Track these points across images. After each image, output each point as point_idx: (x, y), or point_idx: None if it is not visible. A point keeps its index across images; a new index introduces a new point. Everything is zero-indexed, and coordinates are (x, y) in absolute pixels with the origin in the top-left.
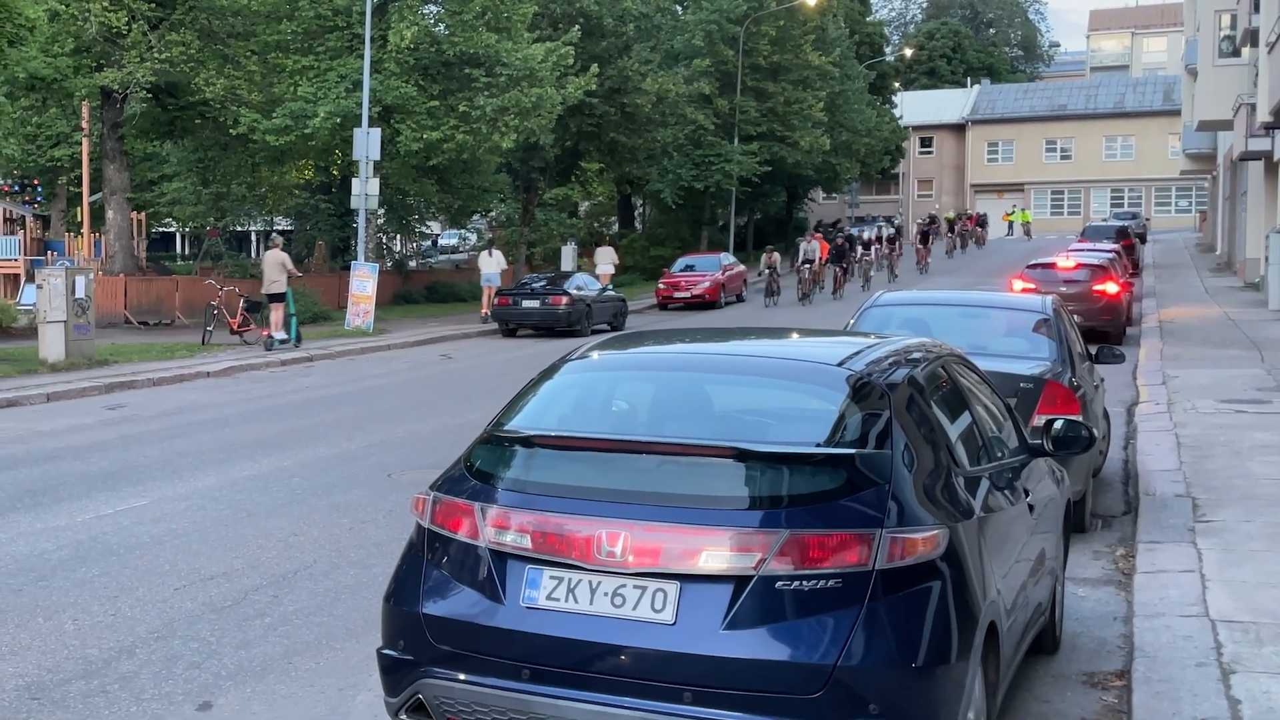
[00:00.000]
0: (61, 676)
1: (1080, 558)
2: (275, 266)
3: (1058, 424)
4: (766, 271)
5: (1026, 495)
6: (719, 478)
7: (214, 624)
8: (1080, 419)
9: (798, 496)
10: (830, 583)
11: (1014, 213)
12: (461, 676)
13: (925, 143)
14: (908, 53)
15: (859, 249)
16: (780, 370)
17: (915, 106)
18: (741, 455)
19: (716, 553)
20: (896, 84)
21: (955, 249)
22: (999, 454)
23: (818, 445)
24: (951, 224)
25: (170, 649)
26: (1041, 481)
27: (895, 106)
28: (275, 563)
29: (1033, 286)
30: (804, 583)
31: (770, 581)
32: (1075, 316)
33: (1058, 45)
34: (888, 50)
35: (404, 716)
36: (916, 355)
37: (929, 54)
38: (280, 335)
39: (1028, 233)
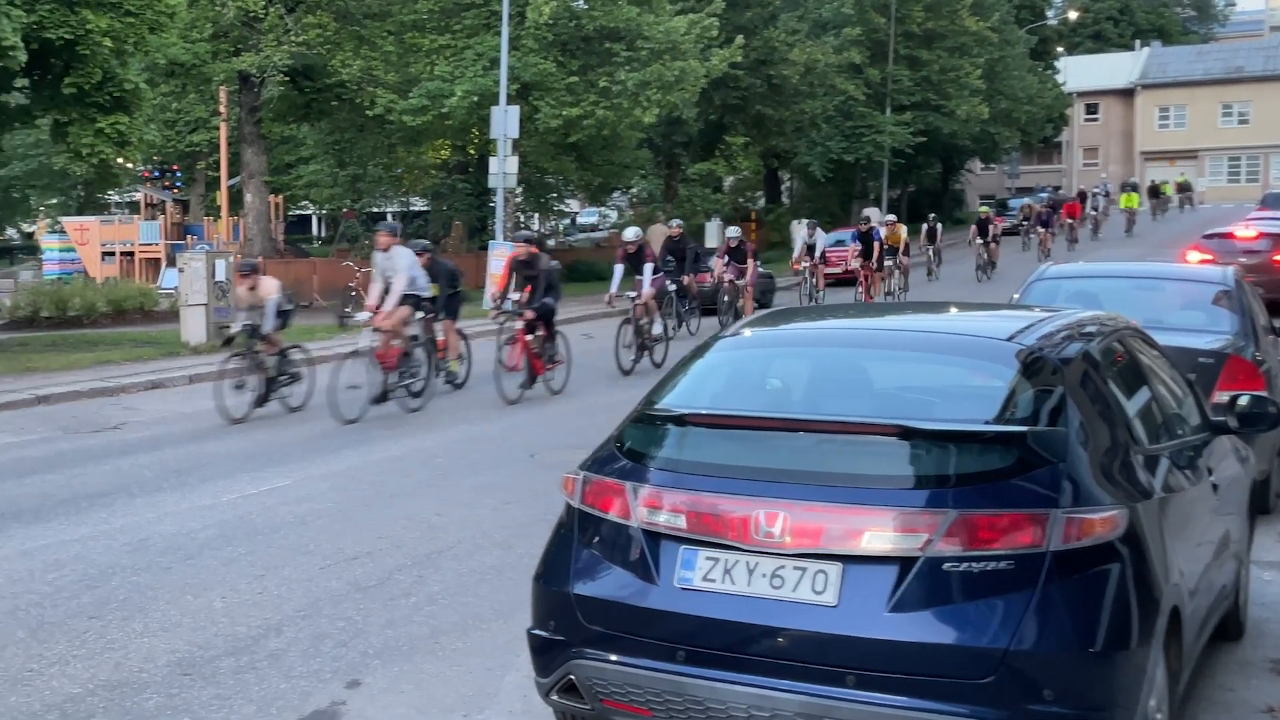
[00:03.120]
0: (212, 653)
1: (1265, 540)
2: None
3: (1243, 399)
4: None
5: (1209, 474)
6: (882, 456)
7: (359, 603)
8: (1266, 395)
9: (966, 476)
10: (1001, 564)
11: (1162, 184)
12: (613, 658)
13: (1091, 109)
14: (1072, 15)
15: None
16: (945, 345)
17: (1080, 71)
18: (906, 433)
19: (880, 533)
20: (1059, 48)
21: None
22: (1179, 432)
23: (986, 423)
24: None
25: (317, 627)
26: (1225, 460)
27: (1058, 72)
28: (419, 543)
29: (1210, 258)
30: (973, 564)
31: (937, 563)
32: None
33: (1233, 4)
34: (1050, 13)
35: (555, 697)
36: (1091, 329)
37: (1094, 16)
38: None
39: (1162, 208)
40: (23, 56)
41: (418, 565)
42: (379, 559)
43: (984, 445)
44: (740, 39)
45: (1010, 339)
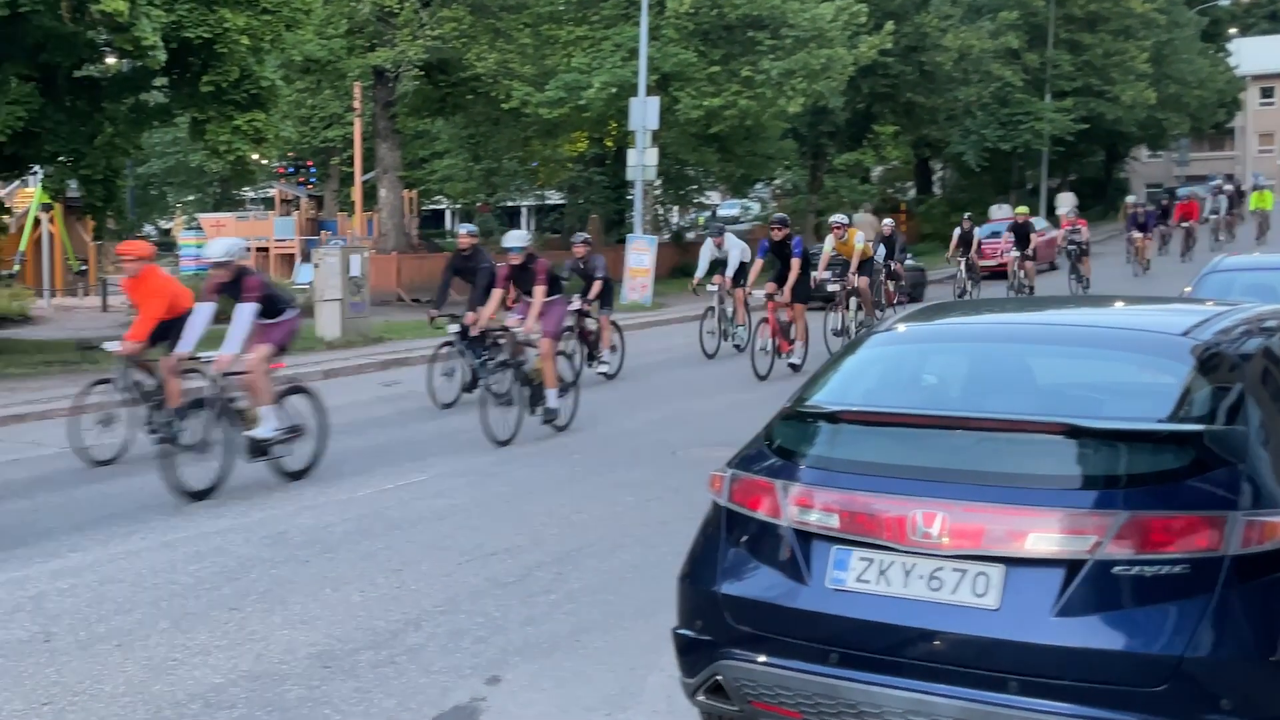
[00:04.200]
0: (351, 646)
1: None
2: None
3: None
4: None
5: None
6: (1047, 455)
7: (498, 599)
8: None
9: (1137, 476)
10: (1176, 568)
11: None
12: (762, 659)
13: (1266, 93)
14: None
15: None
16: (1114, 340)
17: (1255, 53)
18: (1074, 432)
19: (1046, 535)
20: (1232, 29)
21: None
22: None
23: (1160, 421)
24: None
25: (456, 623)
26: None
27: (1231, 54)
28: (558, 539)
29: None
30: (1145, 568)
31: (1106, 566)
32: None
33: None
34: None
35: (701, 698)
36: (1271, 323)
37: None
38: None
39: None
40: (162, 56)
41: (557, 562)
42: (518, 555)
43: (1157, 445)
44: (890, 25)
45: (1185, 334)
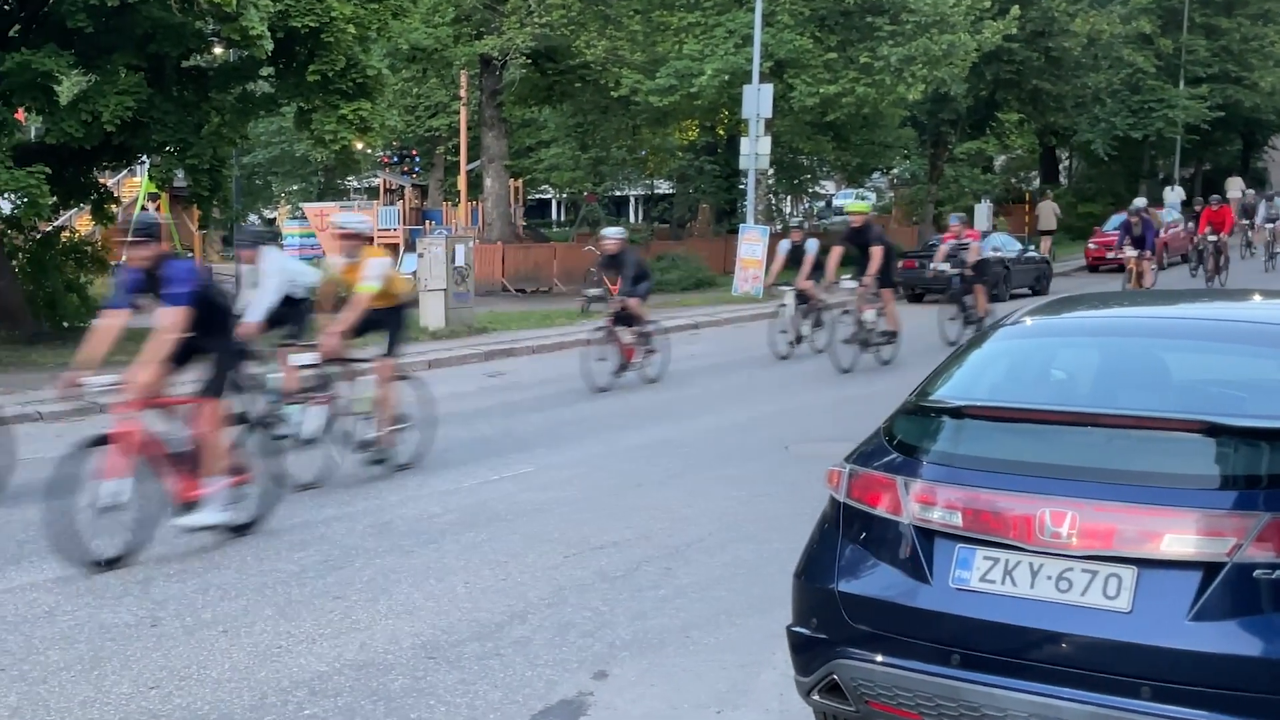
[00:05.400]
0: (456, 637)
1: None
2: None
3: None
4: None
5: None
6: (1183, 454)
7: (606, 594)
8: None
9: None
10: None
11: None
12: (879, 658)
13: None
14: None
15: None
16: (1257, 336)
17: None
18: (1213, 430)
19: (1182, 536)
20: None
21: None
22: None
23: None
24: None
25: (562, 616)
26: None
27: None
28: (667, 534)
29: None
30: None
31: (1246, 570)
32: None
33: None
34: None
35: (816, 697)
36: None
37: None
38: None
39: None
40: (269, 45)
41: (666, 557)
42: (625, 549)
43: None
44: (1016, 9)
45: None
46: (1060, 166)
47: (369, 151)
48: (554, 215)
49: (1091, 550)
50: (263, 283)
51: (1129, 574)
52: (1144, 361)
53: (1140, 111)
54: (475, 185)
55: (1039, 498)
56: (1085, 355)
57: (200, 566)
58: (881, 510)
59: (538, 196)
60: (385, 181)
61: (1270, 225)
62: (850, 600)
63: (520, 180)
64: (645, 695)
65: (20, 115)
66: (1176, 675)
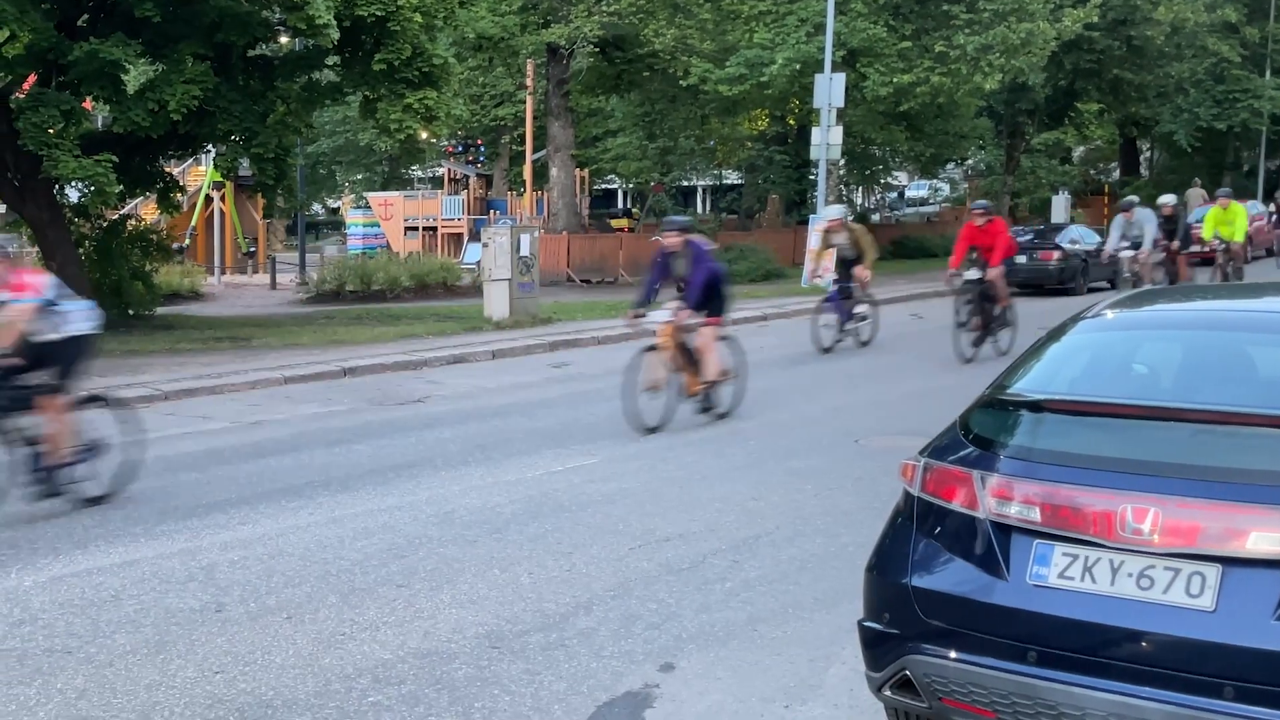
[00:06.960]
0: (520, 628)
1: None
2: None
3: None
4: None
5: None
6: (1269, 450)
7: (672, 586)
8: None
9: None
10: None
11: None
12: (953, 655)
13: None
14: None
15: None
16: None
17: None
18: None
19: (1269, 534)
20: None
21: None
22: None
23: None
24: None
25: (628, 608)
26: None
27: None
28: (734, 527)
29: None
30: None
31: None
32: None
33: None
34: None
35: (888, 693)
36: None
37: None
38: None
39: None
40: (335, 34)
41: (733, 549)
42: (692, 541)
43: None
44: None
45: None
46: (1141, 158)
47: (434, 141)
48: (620, 205)
49: (1174, 548)
50: None
51: (1213, 572)
52: (1228, 355)
53: (1224, 102)
54: (541, 175)
55: (1120, 494)
56: (1167, 349)
57: (264, 553)
58: (957, 505)
59: (604, 186)
60: (450, 171)
61: None
62: (924, 595)
63: (587, 170)
64: (711, 688)
65: (88, 104)
66: (1261, 676)
